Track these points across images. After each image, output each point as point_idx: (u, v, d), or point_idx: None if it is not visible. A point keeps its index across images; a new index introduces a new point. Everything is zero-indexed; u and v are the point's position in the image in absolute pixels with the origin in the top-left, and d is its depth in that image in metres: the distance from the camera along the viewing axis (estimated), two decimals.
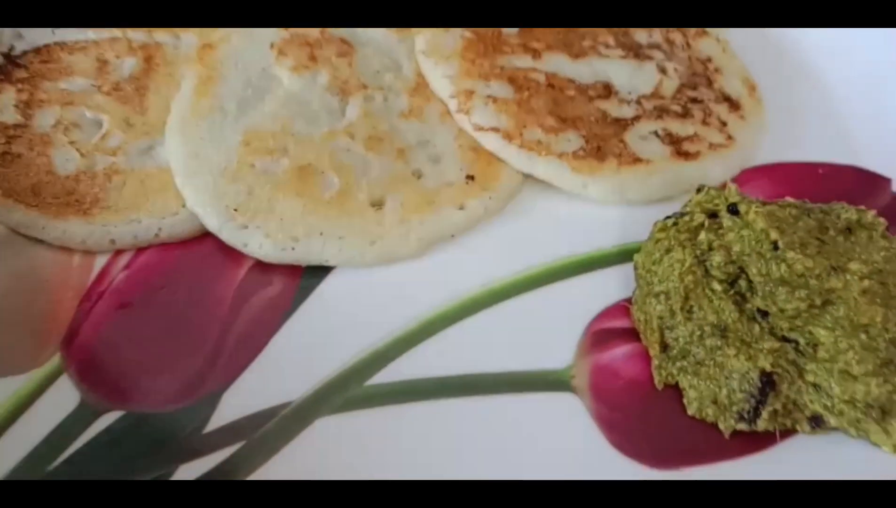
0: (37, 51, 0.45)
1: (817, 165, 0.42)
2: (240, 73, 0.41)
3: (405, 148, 0.39)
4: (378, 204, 0.37)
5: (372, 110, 0.40)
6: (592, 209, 0.39)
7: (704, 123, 0.42)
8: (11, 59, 0.44)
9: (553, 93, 0.41)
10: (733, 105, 0.43)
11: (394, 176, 0.38)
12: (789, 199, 0.32)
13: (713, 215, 0.32)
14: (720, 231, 0.31)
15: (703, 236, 0.31)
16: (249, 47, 0.43)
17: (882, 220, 0.31)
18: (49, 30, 0.46)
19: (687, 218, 0.33)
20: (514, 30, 0.44)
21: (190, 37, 0.45)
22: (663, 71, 0.44)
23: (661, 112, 0.42)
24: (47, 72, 0.43)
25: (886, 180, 0.41)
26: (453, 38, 0.43)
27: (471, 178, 0.38)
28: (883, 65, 0.46)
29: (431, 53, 0.42)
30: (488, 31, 0.44)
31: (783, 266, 0.28)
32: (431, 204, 0.37)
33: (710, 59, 0.46)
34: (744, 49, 0.48)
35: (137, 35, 0.45)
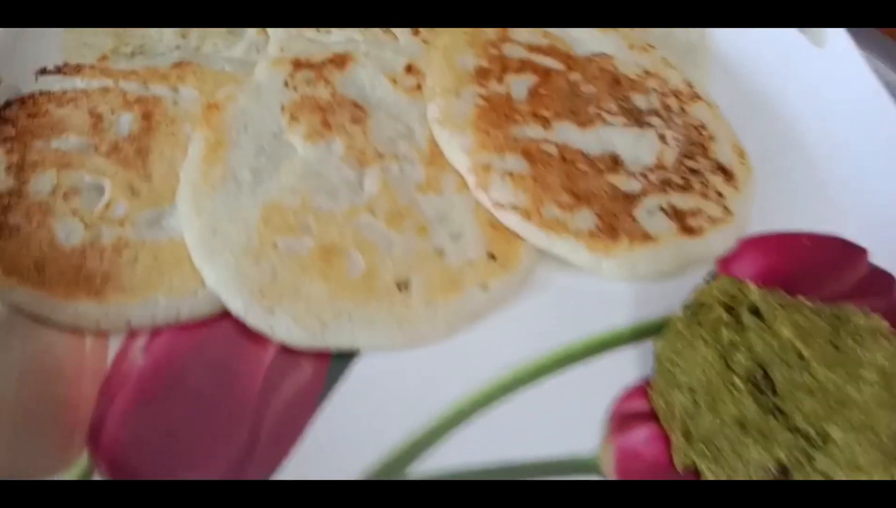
0: (21, 102, 0.42)
1: (802, 236, 0.45)
2: (251, 138, 0.40)
3: (426, 224, 0.39)
4: (403, 284, 0.37)
5: (390, 183, 0.40)
6: (606, 285, 0.40)
7: (704, 195, 0.44)
8: None
9: (566, 167, 0.42)
10: (728, 175, 0.46)
11: (417, 254, 0.38)
12: (801, 298, 0.35)
13: (731, 308, 0.35)
14: (740, 326, 0.34)
15: (724, 333, 0.33)
16: (258, 109, 0.41)
17: (885, 323, 0.34)
18: (32, 76, 0.43)
19: (706, 310, 0.35)
20: (524, 95, 0.45)
21: (189, 91, 0.44)
22: (663, 139, 0.46)
23: (664, 185, 0.44)
24: (36, 128, 0.41)
25: (862, 251, 0.45)
26: (466, 104, 0.43)
27: (492, 257, 0.39)
28: (863, 130, 0.50)
29: (445, 122, 0.42)
30: (500, 98, 0.44)
31: (806, 375, 0.31)
32: (455, 284, 0.38)
33: (703, 126, 0.48)
34: (730, 112, 0.51)
35: (131, 86, 0.43)
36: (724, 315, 0.34)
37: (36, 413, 0.33)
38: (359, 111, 0.42)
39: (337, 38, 0.48)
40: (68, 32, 0.48)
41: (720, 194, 0.45)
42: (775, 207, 0.47)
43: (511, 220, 0.40)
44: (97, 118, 0.42)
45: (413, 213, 0.40)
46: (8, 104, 0.41)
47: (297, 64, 0.44)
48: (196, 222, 0.37)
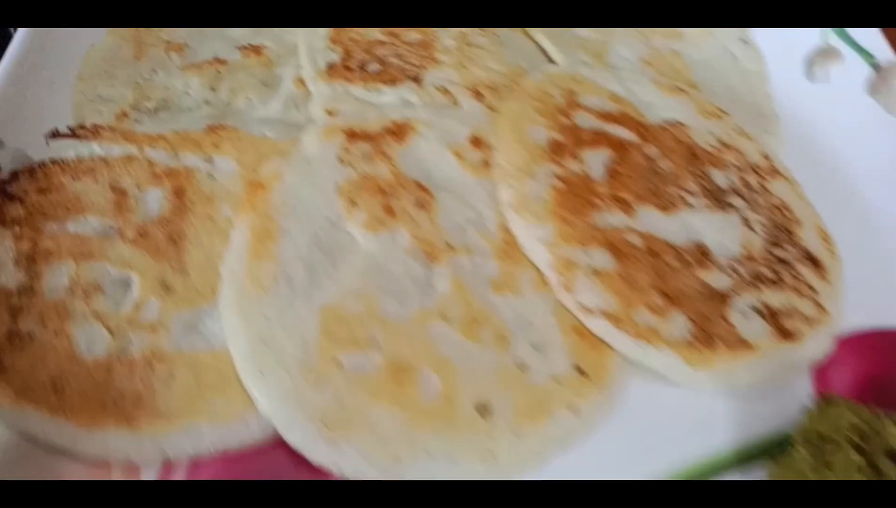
0: (31, 173, 0.36)
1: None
2: (303, 226, 0.35)
3: (505, 333, 0.34)
4: (484, 409, 0.32)
5: (462, 280, 0.35)
6: (698, 398, 0.36)
7: (796, 290, 0.40)
8: (3, 190, 0.35)
9: (654, 261, 0.38)
10: (817, 265, 0.42)
11: (497, 371, 0.33)
12: None
13: (861, 447, 0.31)
14: (875, 472, 0.30)
15: (855, 475, 0.30)
16: (310, 191, 0.36)
17: None
18: (41, 140, 0.37)
19: (832, 448, 0.31)
20: (602, 174, 0.40)
21: (226, 161, 0.38)
22: (747, 223, 0.42)
23: (755, 280, 0.40)
24: (49, 207, 0.35)
25: None
26: (541, 187, 0.38)
27: (581, 371, 0.34)
28: None
29: (521, 209, 0.37)
30: (577, 179, 0.39)
31: None
32: (542, 407, 0.33)
33: (786, 207, 0.44)
34: (804, 187, 0.47)
35: (159, 154, 0.38)
36: (856, 457, 0.30)
37: None
38: (424, 194, 0.37)
39: (389, 99, 0.43)
40: (80, 82, 0.42)
41: (812, 289, 0.41)
42: (865, 298, 0.43)
43: (600, 327, 0.35)
44: (121, 194, 0.36)
45: (490, 318, 0.35)
46: (15, 176, 0.35)
47: (352, 134, 0.39)
48: (243, 333, 0.32)
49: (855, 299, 0.43)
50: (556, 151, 0.40)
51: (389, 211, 0.36)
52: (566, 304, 0.36)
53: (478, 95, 0.43)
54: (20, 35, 0.40)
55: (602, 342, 0.35)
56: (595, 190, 0.39)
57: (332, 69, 0.44)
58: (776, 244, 0.42)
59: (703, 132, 0.46)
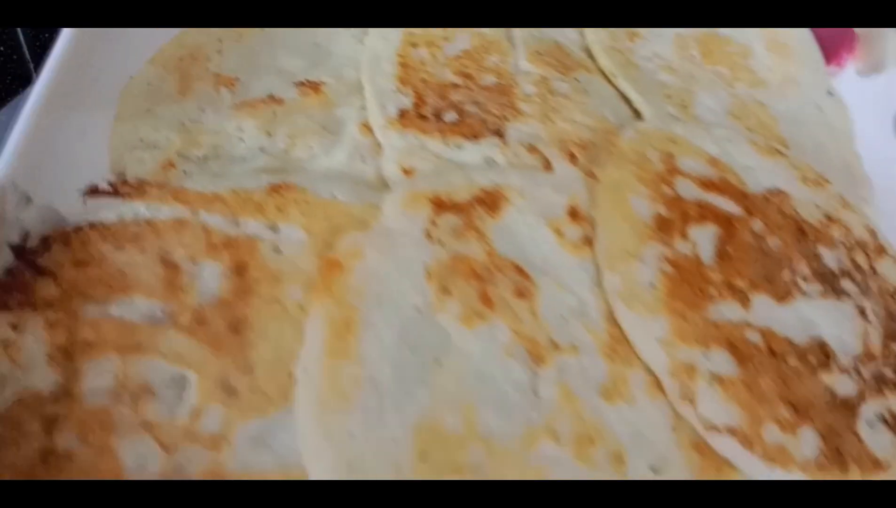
0: (65, 240, 0.30)
1: None
2: (389, 318, 0.30)
3: (621, 450, 0.30)
4: None
5: (570, 387, 0.31)
6: None
7: None
8: (28, 259, 0.29)
9: (777, 365, 0.33)
10: None
11: None
12: None
13: None
14: None
15: None
16: (396, 274, 0.31)
17: None
18: (72, 194, 0.32)
19: None
20: (712, 256, 0.36)
21: (293, 230, 0.33)
22: (863, 313, 0.38)
23: (879, 383, 0.35)
24: (88, 284, 0.29)
25: None
26: (651, 272, 0.34)
27: None
28: None
29: (631, 301, 0.33)
30: (689, 263, 0.35)
31: None
32: None
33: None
34: None
35: (215, 220, 0.32)
36: None
37: None
38: (523, 279, 0.32)
39: (472, 157, 0.38)
40: (119, 124, 0.36)
41: None
42: None
43: (727, 447, 0.31)
44: (172, 269, 0.30)
45: (603, 433, 0.30)
46: (46, 244, 0.30)
47: (439, 204, 0.33)
48: (326, 454, 0.27)
49: None
50: (663, 228, 0.36)
51: (487, 301, 0.31)
52: (687, 417, 0.31)
53: (571, 156, 0.38)
54: (47, 69, 0.34)
55: (725, 462, 0.31)
56: (708, 276, 0.35)
57: (403, 117, 0.39)
58: (893, 337, 0.38)
59: (806, 203, 0.42)
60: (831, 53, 0.54)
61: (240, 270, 0.31)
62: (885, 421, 0.35)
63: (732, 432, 0.31)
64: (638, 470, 0.30)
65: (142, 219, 0.32)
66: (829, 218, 0.42)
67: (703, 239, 0.36)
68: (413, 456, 0.27)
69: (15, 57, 0.48)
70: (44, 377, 0.27)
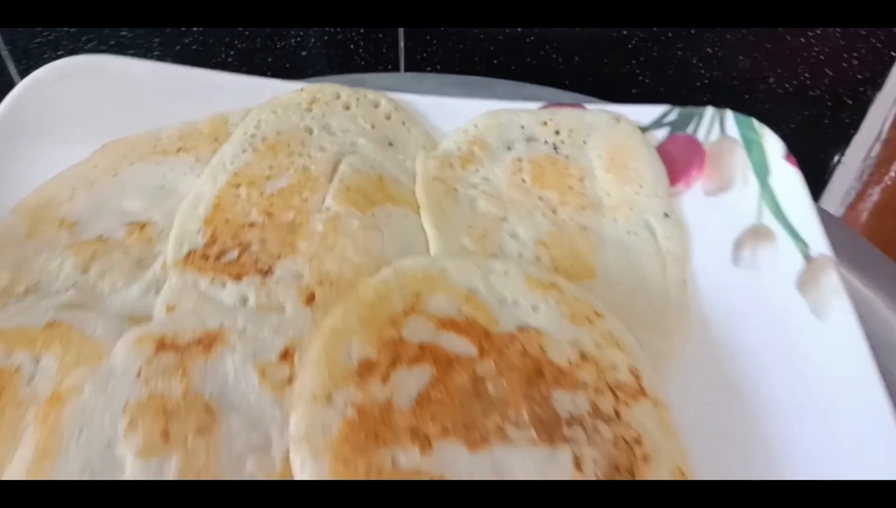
0: None
1: None
2: (82, 448, 0.36)
3: None
4: None
5: None
6: None
7: None
8: None
9: None
10: None
11: None
12: None
13: None
14: None
15: None
16: (100, 408, 0.37)
17: None
18: None
19: None
20: (411, 401, 0.38)
21: (51, 362, 0.40)
22: (578, 463, 0.38)
23: None
24: None
25: None
26: (334, 416, 0.37)
27: None
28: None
29: (303, 442, 0.36)
30: (375, 408, 0.38)
31: None
32: None
33: (639, 440, 0.39)
34: (698, 400, 0.42)
35: None
36: None
37: None
38: (208, 417, 0.37)
39: (228, 296, 0.43)
40: None
41: None
42: None
43: None
44: None
45: None
46: None
47: (162, 345, 0.39)
48: None
49: None
50: (364, 372, 0.39)
51: (165, 436, 0.36)
52: None
53: (309, 298, 0.42)
54: None
55: None
56: (392, 422, 0.37)
57: (188, 257, 0.45)
58: None
59: (562, 342, 0.42)
60: (680, 172, 0.53)
61: None
62: None
63: None
64: None
65: None
66: (584, 357, 0.42)
67: (406, 383, 0.39)
68: None
69: None
70: None
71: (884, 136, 0.72)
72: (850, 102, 0.66)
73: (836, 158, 0.73)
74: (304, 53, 0.71)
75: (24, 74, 0.66)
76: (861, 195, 0.78)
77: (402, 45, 0.68)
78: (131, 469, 0.36)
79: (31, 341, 0.41)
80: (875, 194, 0.77)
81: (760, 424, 0.42)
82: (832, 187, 0.75)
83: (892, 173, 0.75)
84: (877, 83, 0.64)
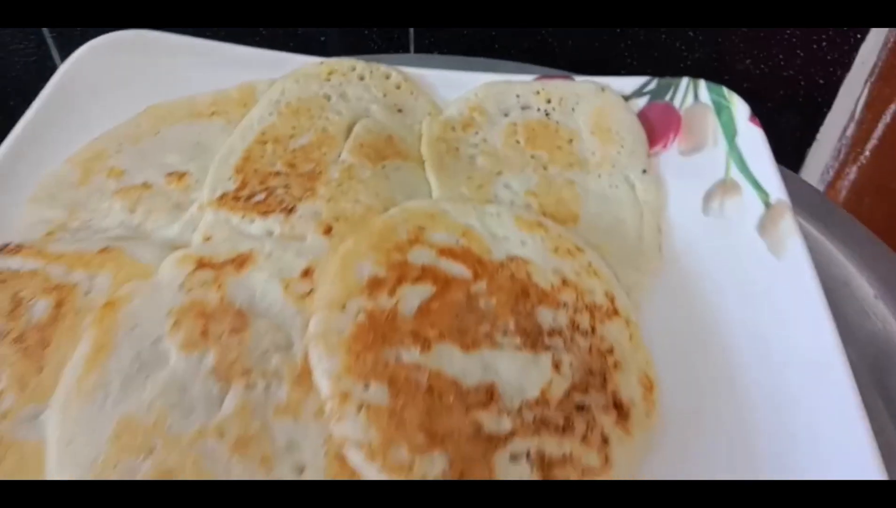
0: None
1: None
2: (133, 343, 0.43)
3: (271, 454, 0.39)
4: None
5: (250, 402, 0.41)
6: None
7: (584, 439, 0.41)
8: None
9: (430, 401, 0.41)
10: (622, 414, 0.43)
11: None
12: None
13: None
14: None
15: None
16: (149, 312, 0.44)
17: None
18: None
19: None
20: (413, 310, 0.44)
21: (104, 280, 0.47)
22: (557, 366, 0.44)
23: (539, 425, 0.41)
24: None
25: None
26: (347, 320, 0.43)
27: None
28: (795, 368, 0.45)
29: (320, 340, 0.42)
30: (382, 315, 0.44)
31: None
32: None
33: (611, 350, 0.45)
34: (664, 326, 0.48)
35: (56, 270, 0.47)
36: None
37: None
38: (240, 320, 0.44)
39: (256, 230, 0.50)
40: (30, 203, 0.53)
41: (605, 440, 0.42)
42: (679, 453, 0.43)
43: (355, 458, 0.39)
44: (17, 303, 0.46)
45: (262, 440, 0.40)
46: None
47: (201, 263, 0.46)
48: (58, 431, 0.40)
49: (668, 453, 0.43)
50: (374, 286, 0.45)
51: (204, 334, 0.43)
52: (333, 433, 0.40)
53: (327, 229, 0.49)
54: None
55: (357, 472, 0.39)
56: (396, 326, 0.44)
57: (222, 198, 0.52)
58: (581, 390, 0.43)
59: (545, 270, 0.48)
60: (659, 135, 0.60)
61: (59, 304, 0.45)
62: (529, 457, 0.40)
63: (360, 446, 0.39)
64: (283, 469, 0.39)
65: (12, 270, 0.47)
66: (564, 282, 0.48)
67: (410, 297, 0.45)
68: (108, 440, 0.39)
69: None
70: None
71: (857, 116, 0.78)
72: (822, 81, 0.72)
73: (812, 138, 0.79)
74: (322, 39, 0.78)
75: (62, 49, 0.74)
76: (839, 174, 0.83)
77: (411, 30, 0.75)
78: (174, 360, 0.42)
79: (86, 262, 0.48)
80: (852, 172, 0.83)
81: (721, 346, 0.48)
82: (810, 165, 0.81)
83: (867, 153, 0.81)
84: (845, 64, 0.70)
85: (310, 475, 0.39)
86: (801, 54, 0.70)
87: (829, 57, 0.70)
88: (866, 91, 0.75)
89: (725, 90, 0.58)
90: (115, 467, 0.38)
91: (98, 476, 0.38)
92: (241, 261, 0.46)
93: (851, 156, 0.82)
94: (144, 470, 0.38)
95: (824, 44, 0.69)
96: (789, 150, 0.61)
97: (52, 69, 0.62)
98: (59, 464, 0.39)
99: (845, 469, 0.40)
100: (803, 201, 0.53)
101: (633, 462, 0.41)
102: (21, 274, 0.47)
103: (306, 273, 0.46)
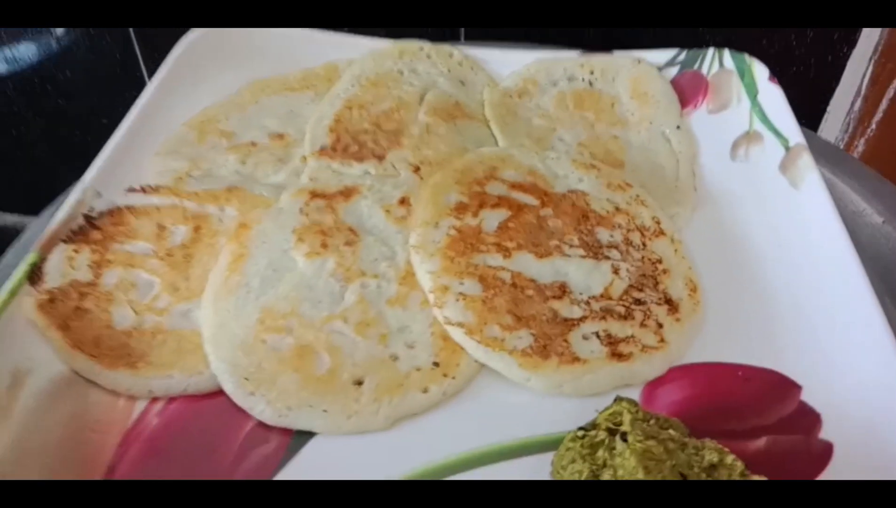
0: (111, 213, 0.56)
1: (738, 367, 0.49)
2: (265, 253, 0.52)
3: (387, 333, 0.48)
4: (358, 382, 0.46)
5: (366, 297, 0.50)
6: (534, 398, 0.47)
7: (643, 324, 0.49)
8: (91, 222, 0.55)
9: (514, 292, 0.50)
10: (672, 307, 0.51)
11: (374, 359, 0.47)
12: (674, 423, 0.40)
13: (614, 430, 0.40)
14: (614, 451, 0.39)
15: (600, 452, 0.39)
16: (276, 230, 0.53)
17: (740, 462, 0.38)
18: (122, 191, 0.57)
19: (593, 433, 0.40)
20: (494, 228, 0.53)
21: (232, 211, 0.56)
22: (616, 271, 0.52)
23: (605, 313, 0.50)
24: (117, 234, 0.54)
25: (797, 388, 0.48)
26: (440, 234, 0.52)
27: (436, 364, 0.47)
28: (819, 274, 0.53)
29: (419, 249, 0.51)
30: (470, 230, 0.53)
31: None
32: (401, 387, 0.46)
33: (660, 260, 0.54)
34: (703, 247, 0.56)
35: (191, 205, 0.56)
36: (606, 437, 0.40)
37: (71, 449, 0.44)
38: (353, 235, 0.53)
39: (355, 172, 0.59)
40: (156, 156, 0.62)
41: (660, 325, 0.50)
42: (721, 340, 0.51)
43: (457, 335, 0.47)
44: (161, 229, 0.55)
45: (379, 323, 0.48)
46: (101, 215, 0.56)
47: (314, 194, 0.55)
48: (211, 319, 0.48)
49: (711, 340, 0.51)
50: (460, 209, 0.54)
51: (325, 246, 0.52)
52: (437, 317, 0.48)
53: (416, 168, 0.58)
54: (129, 117, 0.62)
55: (460, 347, 0.48)
56: (482, 239, 0.52)
57: (322, 151, 0.61)
58: (638, 289, 0.52)
59: (601, 200, 0.57)
60: (689, 98, 0.69)
61: (197, 229, 0.55)
62: (599, 336, 0.48)
63: (461, 325, 0.47)
64: (397, 345, 0.48)
65: (153, 205, 0.57)
66: (618, 209, 0.57)
67: (490, 218, 0.54)
68: (255, 322, 0.48)
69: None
70: (84, 274, 0.52)
71: (864, 92, 0.87)
72: (830, 58, 0.81)
73: (823, 112, 0.88)
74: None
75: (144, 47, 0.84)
76: (848, 146, 0.92)
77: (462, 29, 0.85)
78: (301, 265, 0.51)
79: (216, 197, 0.57)
80: (860, 145, 0.91)
81: (749, 258, 0.56)
82: (822, 136, 0.89)
83: (873, 126, 0.90)
84: (851, 41, 0.79)
85: (419, 350, 0.48)
86: (811, 34, 0.79)
87: (835, 35, 0.79)
88: (871, 68, 0.84)
89: (746, 56, 0.67)
90: (263, 342, 0.47)
91: (247, 351, 0.47)
92: (347, 193, 0.56)
93: (859, 130, 0.90)
94: (287, 345, 0.47)
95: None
96: (802, 122, 0.69)
97: (136, 66, 0.72)
98: (214, 344, 0.47)
99: (863, 351, 0.48)
100: (817, 151, 0.61)
101: (683, 342, 0.50)
102: (161, 208, 0.56)
103: (402, 201, 0.55)
